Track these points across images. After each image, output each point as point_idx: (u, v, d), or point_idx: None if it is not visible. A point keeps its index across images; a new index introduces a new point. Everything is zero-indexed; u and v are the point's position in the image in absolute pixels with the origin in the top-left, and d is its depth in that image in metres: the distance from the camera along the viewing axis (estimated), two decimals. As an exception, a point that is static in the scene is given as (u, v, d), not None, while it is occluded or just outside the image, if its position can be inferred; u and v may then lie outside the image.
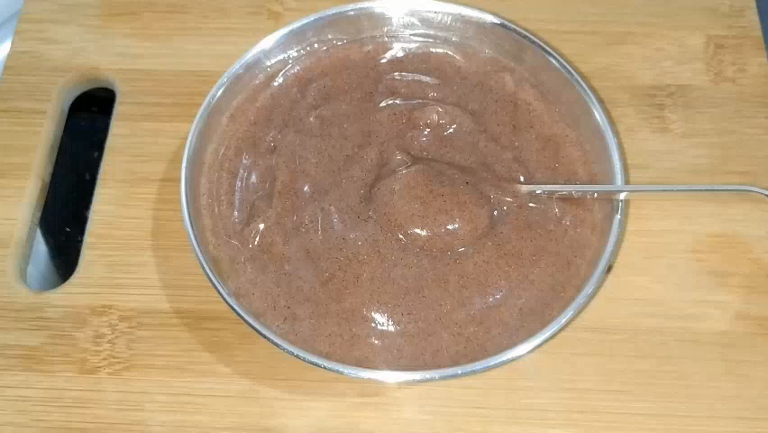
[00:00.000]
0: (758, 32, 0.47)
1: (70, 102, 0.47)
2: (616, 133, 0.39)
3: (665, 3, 0.48)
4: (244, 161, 0.40)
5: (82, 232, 0.42)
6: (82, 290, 0.40)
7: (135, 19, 0.48)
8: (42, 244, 0.47)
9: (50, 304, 0.40)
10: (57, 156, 0.45)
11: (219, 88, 0.40)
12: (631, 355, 0.38)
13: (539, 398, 0.38)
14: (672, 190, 0.38)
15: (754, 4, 0.47)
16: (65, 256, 0.45)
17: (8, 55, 0.46)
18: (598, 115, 0.39)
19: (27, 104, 0.45)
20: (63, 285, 0.40)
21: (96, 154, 0.44)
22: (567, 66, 0.40)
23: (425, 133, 0.41)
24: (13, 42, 0.47)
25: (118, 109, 0.45)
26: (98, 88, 0.47)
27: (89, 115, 0.48)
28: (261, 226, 0.38)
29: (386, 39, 0.43)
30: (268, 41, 0.42)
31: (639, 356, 0.38)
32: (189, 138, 0.39)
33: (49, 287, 0.41)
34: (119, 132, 0.44)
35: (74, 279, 0.40)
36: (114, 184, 0.43)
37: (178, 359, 0.38)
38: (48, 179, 0.44)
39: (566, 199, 0.39)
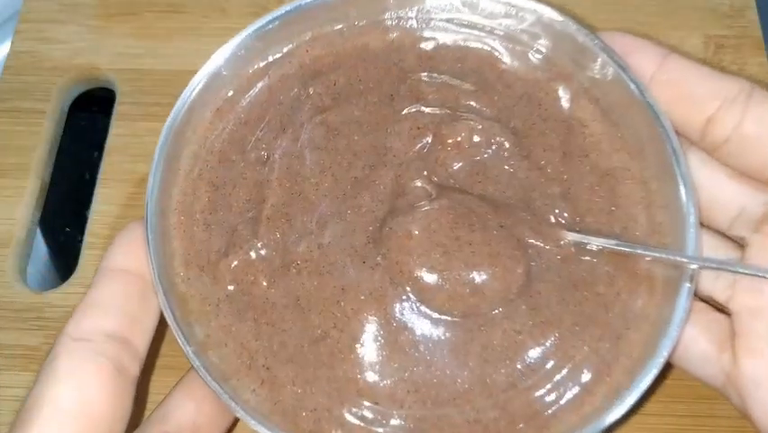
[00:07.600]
0: (758, 32, 0.47)
1: (70, 102, 0.47)
2: (690, 176, 0.31)
3: (665, 3, 0.48)
4: (229, 171, 0.33)
5: (82, 232, 0.42)
6: (82, 290, 0.39)
7: (135, 19, 0.47)
8: (42, 244, 0.47)
9: (50, 304, 0.40)
10: (57, 156, 0.45)
11: (204, 76, 0.33)
12: (631, 355, 0.38)
13: (539, 398, 0.37)
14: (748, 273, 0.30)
15: (753, 4, 0.47)
16: (65, 256, 0.45)
17: (8, 55, 0.46)
18: (671, 146, 0.31)
19: (27, 104, 0.45)
20: (63, 285, 0.40)
21: (95, 154, 0.44)
22: (638, 82, 0.32)
23: (454, 154, 0.33)
24: (12, 42, 0.47)
25: (118, 109, 0.45)
26: (98, 88, 0.47)
27: (89, 114, 0.48)
28: (243, 259, 0.31)
29: (415, 25, 0.35)
30: (269, 17, 0.35)
31: (639, 356, 0.38)
32: (162, 135, 0.32)
33: (49, 287, 0.41)
34: (119, 132, 0.44)
35: (74, 279, 0.40)
36: (114, 184, 0.43)
37: (178, 359, 0.38)
38: (48, 179, 0.44)
39: (620, 255, 0.31)
